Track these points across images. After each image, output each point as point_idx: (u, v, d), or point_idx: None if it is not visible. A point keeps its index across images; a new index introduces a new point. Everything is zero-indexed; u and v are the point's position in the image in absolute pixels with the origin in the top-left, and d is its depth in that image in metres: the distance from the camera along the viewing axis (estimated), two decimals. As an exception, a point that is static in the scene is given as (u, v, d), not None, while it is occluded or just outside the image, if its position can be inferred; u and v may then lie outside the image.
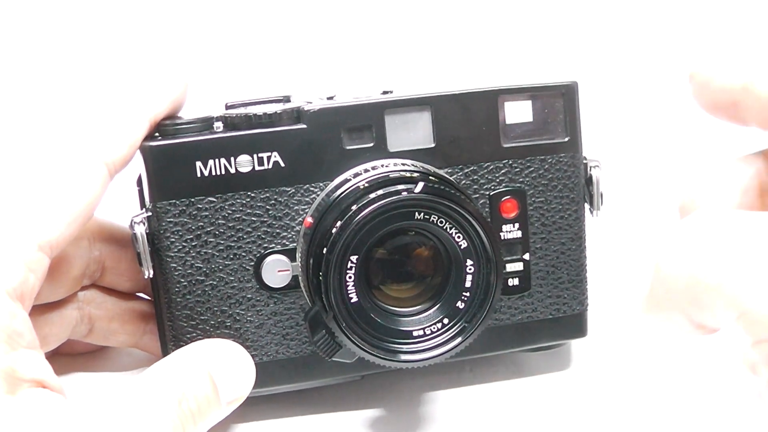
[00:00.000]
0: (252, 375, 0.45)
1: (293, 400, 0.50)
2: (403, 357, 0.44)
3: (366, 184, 0.44)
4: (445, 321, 0.44)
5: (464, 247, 0.44)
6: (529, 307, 0.50)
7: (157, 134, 0.46)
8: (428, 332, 0.44)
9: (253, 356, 0.47)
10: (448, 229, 0.43)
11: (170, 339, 0.47)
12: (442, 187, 0.43)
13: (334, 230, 0.42)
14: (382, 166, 0.46)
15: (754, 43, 0.82)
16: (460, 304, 0.44)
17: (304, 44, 0.78)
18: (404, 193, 0.42)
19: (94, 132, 0.45)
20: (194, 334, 0.46)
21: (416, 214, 0.43)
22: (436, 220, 0.43)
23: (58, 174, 0.43)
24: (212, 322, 0.46)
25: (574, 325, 0.52)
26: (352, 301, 0.43)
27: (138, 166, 0.47)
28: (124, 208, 0.50)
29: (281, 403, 0.50)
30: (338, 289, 0.42)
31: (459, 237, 0.43)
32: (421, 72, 0.78)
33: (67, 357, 0.51)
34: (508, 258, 0.49)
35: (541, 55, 0.81)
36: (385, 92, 0.49)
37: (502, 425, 0.48)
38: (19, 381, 0.38)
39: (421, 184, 0.42)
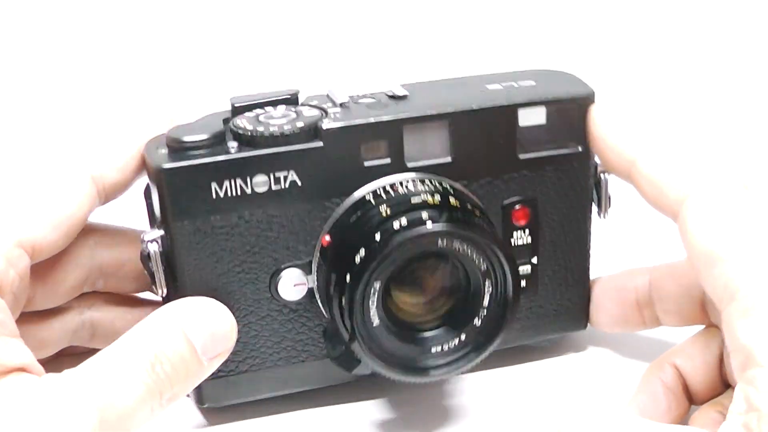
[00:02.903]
0: (232, 327, 0.43)
1: (304, 395, 0.51)
2: (425, 374, 0.45)
3: (388, 211, 0.43)
4: (463, 337, 0.45)
5: (484, 270, 0.44)
6: (535, 304, 0.52)
7: (165, 150, 0.44)
8: (446, 348, 0.45)
9: (269, 362, 0.48)
10: (469, 253, 0.44)
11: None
12: (465, 217, 0.43)
13: (357, 259, 0.42)
14: (401, 185, 0.45)
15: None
16: (477, 321, 0.45)
17: (309, 36, 0.76)
18: (429, 224, 0.42)
19: (84, 148, 0.46)
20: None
21: (439, 241, 0.43)
22: (458, 246, 0.43)
23: (44, 181, 0.44)
24: None
25: (576, 318, 0.53)
26: (374, 324, 0.43)
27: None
28: (124, 210, 0.50)
29: (293, 397, 0.51)
30: (361, 315, 0.43)
31: (479, 260, 0.44)
32: (424, 65, 0.77)
33: (71, 357, 0.50)
34: (518, 262, 0.50)
35: (545, 50, 0.80)
36: (394, 96, 0.47)
37: (509, 409, 0.49)
38: (3, 367, 0.38)
39: (446, 216, 0.42)
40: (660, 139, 0.45)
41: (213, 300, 0.43)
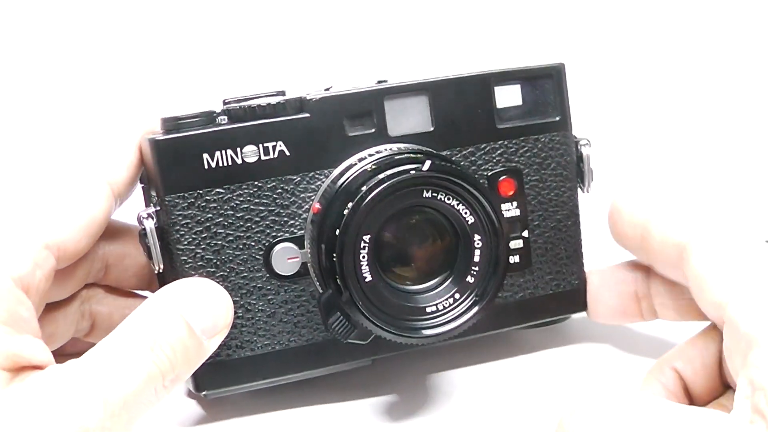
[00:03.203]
0: (228, 305, 0.44)
1: (305, 389, 0.51)
2: (420, 333, 0.44)
3: (373, 167, 0.45)
4: (457, 296, 0.45)
5: (472, 223, 0.45)
6: (531, 283, 0.52)
7: (160, 131, 0.46)
8: (441, 307, 0.45)
9: (265, 345, 0.48)
10: (456, 206, 0.44)
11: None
12: (448, 165, 0.44)
13: (345, 211, 0.43)
14: (386, 150, 0.47)
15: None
16: (470, 279, 0.45)
17: (296, 40, 0.80)
18: (412, 172, 0.43)
19: (92, 153, 0.48)
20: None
21: (425, 192, 0.44)
22: (444, 198, 0.44)
23: (66, 187, 0.46)
24: None
25: (575, 299, 0.53)
26: (366, 280, 0.44)
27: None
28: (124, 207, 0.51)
29: (292, 392, 0.50)
30: (352, 269, 0.43)
31: (466, 213, 0.45)
32: (412, 62, 0.80)
33: (71, 357, 0.50)
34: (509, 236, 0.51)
35: (530, 39, 0.83)
36: (380, 81, 0.50)
37: (509, 401, 0.49)
38: (24, 364, 0.38)
39: (428, 163, 0.43)
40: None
41: (207, 280, 0.44)
